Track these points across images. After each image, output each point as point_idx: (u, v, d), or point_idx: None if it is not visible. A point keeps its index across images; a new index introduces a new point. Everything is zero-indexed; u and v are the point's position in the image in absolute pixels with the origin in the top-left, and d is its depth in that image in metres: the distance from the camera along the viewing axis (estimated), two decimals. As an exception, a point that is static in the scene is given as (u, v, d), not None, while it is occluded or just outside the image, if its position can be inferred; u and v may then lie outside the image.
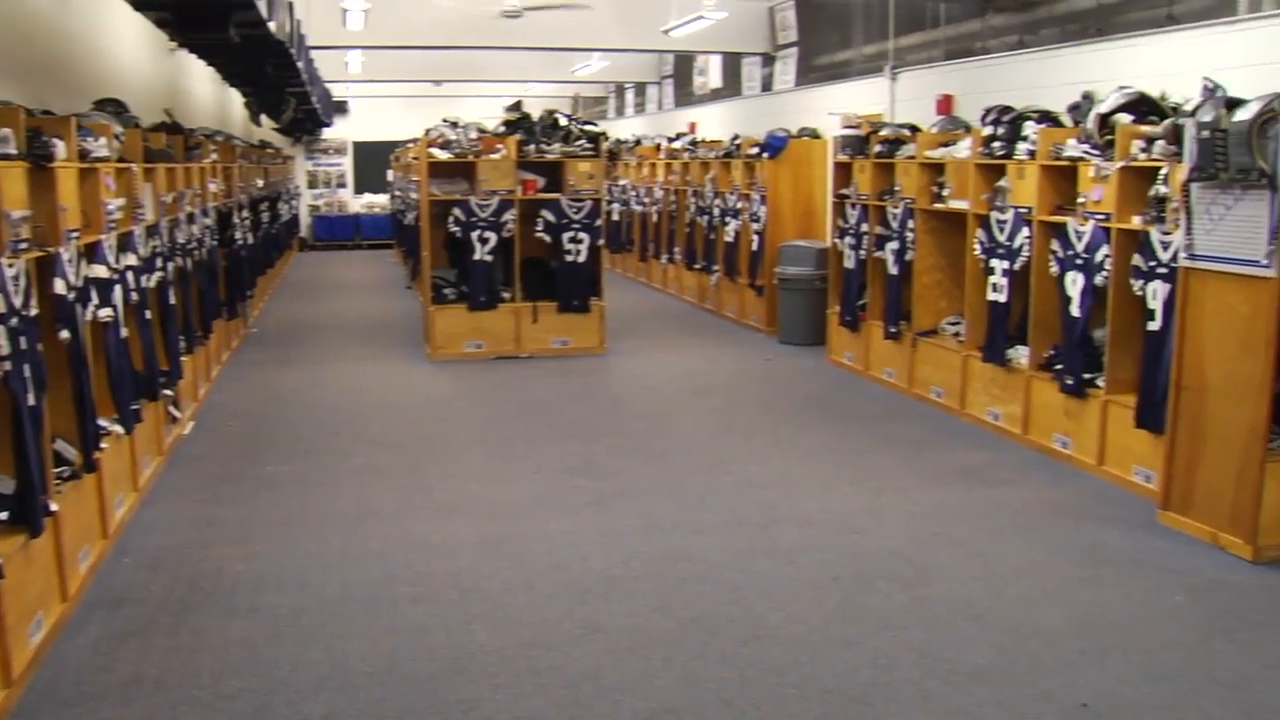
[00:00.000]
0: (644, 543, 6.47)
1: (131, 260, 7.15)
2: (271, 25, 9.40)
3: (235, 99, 19.77)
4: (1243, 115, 6.00)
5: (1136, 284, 7.27)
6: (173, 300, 8.59)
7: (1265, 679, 4.84)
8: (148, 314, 7.57)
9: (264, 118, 20.73)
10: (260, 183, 17.80)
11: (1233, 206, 6.15)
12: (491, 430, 9.28)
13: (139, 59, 12.12)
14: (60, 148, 5.68)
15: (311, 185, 30.16)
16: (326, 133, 29.47)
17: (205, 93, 17.01)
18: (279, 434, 9.10)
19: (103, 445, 6.26)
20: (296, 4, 11.52)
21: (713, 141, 16.72)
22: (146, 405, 7.48)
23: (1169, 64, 8.79)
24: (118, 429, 6.69)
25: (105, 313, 6.29)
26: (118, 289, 6.63)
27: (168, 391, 8.21)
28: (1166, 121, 7.08)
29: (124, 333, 6.76)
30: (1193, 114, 6.47)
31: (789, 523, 6.85)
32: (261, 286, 16.82)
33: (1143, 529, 6.72)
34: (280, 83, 15.55)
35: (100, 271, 6.31)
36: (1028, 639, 5.19)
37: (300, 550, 6.37)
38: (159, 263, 8.10)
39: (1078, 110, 8.36)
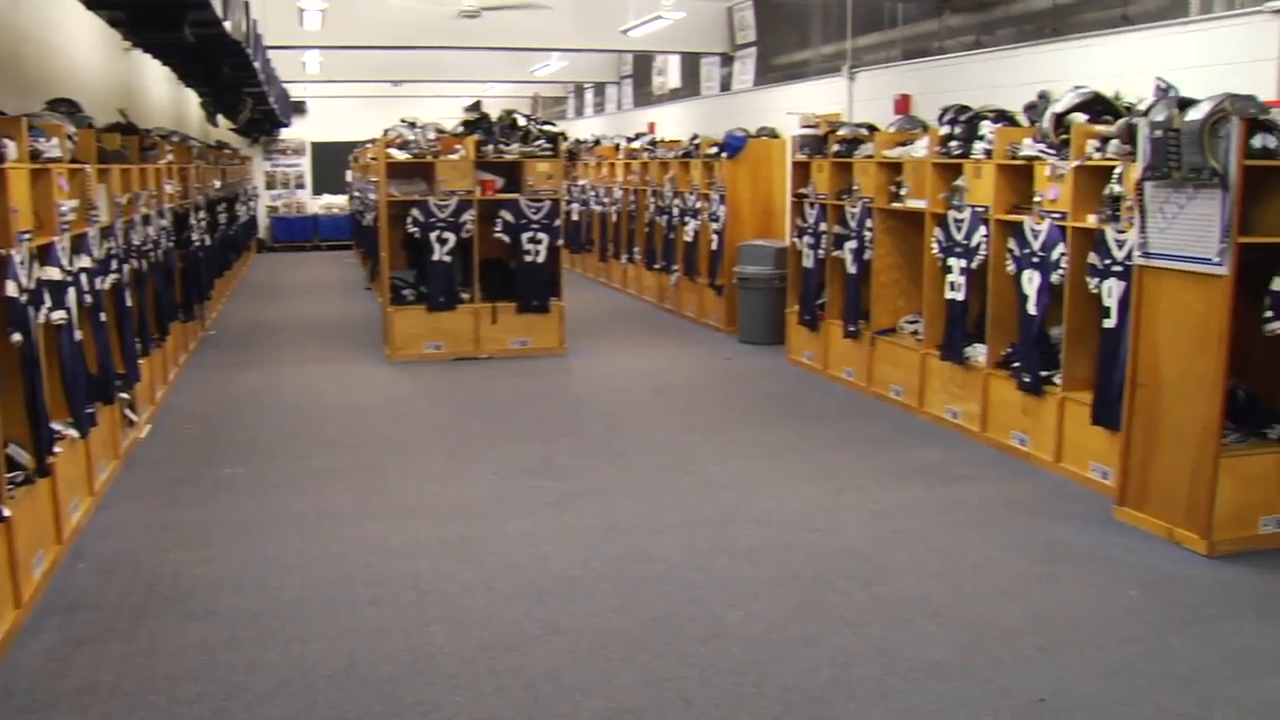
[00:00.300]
0: (604, 543, 6.47)
1: (85, 262, 7.07)
2: (227, 25, 9.30)
3: (191, 99, 19.60)
4: (1194, 115, 6.06)
5: (1092, 282, 7.34)
6: (128, 302, 8.51)
7: (1219, 672, 4.89)
8: (102, 316, 7.49)
9: (221, 118, 20.57)
10: (217, 184, 17.66)
11: (1186, 205, 6.22)
12: (450, 431, 9.26)
13: (93, 59, 12.00)
14: (11, 148, 5.61)
15: (269, 186, 29.96)
16: (284, 133, 29.27)
17: (161, 93, 16.86)
18: (237, 436, 9.03)
19: (56, 449, 6.17)
20: (253, 3, 11.43)
21: (672, 141, 16.75)
22: (102, 408, 7.40)
23: (1123, 64, 8.87)
24: (72, 433, 6.62)
25: (58, 315, 6.22)
26: (71, 291, 6.55)
27: (124, 394, 8.12)
28: (1121, 121, 7.14)
29: (78, 335, 6.68)
30: (1146, 114, 6.54)
31: (749, 522, 6.86)
32: (219, 288, 16.69)
33: (1099, 525, 6.78)
34: (237, 83, 15.42)
35: (53, 273, 6.23)
36: (985, 635, 5.22)
37: (258, 553, 6.33)
38: (114, 264, 8.01)
39: (1034, 110, 8.41)
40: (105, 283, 7.67)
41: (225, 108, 18.86)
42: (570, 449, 8.57)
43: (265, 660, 4.98)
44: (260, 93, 17.37)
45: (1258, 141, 5.96)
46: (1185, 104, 6.28)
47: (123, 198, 8.67)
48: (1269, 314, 6.12)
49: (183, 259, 12.20)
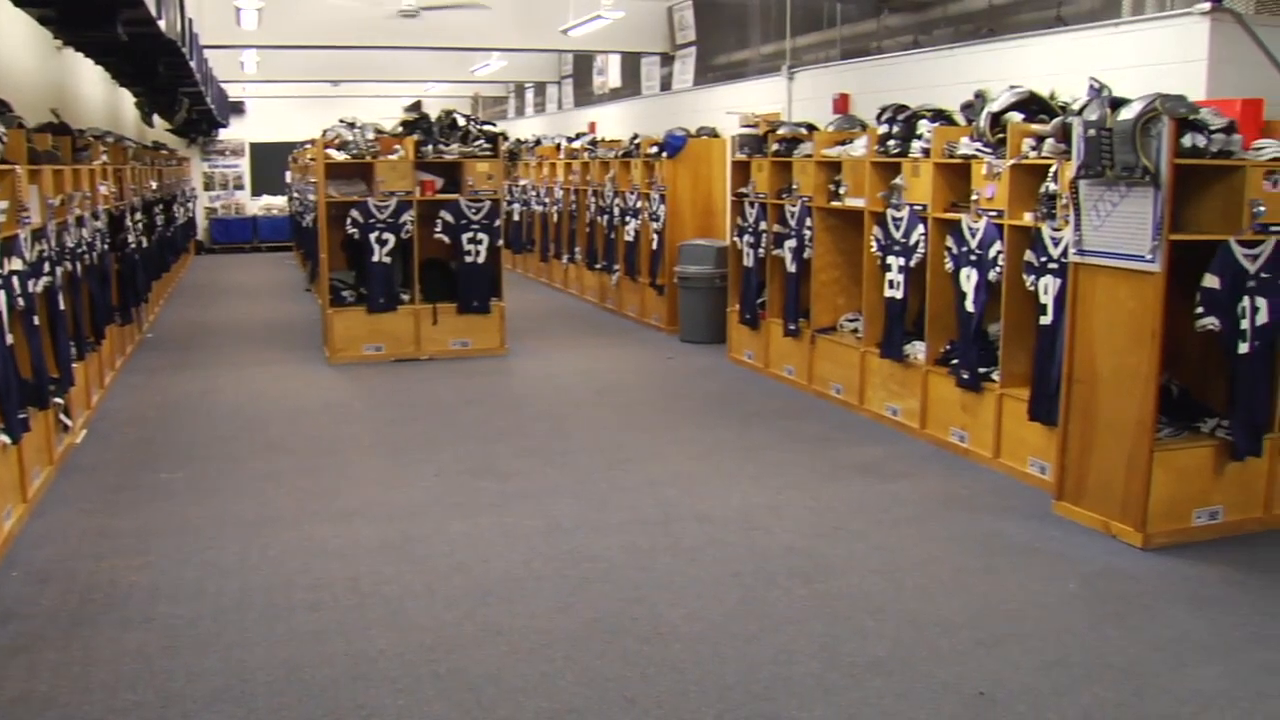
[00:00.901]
0: (545, 543, 6.46)
1: (16, 265, 6.94)
2: (161, 23, 9.18)
3: (127, 99, 19.34)
4: (1127, 114, 6.15)
5: (1029, 279, 7.42)
6: (62, 305, 8.37)
7: (1154, 661, 4.96)
8: (35, 320, 7.37)
9: (157, 119, 20.32)
10: (154, 185, 17.43)
11: (1119, 203, 6.30)
12: (391, 433, 9.20)
13: (23, 58, 11.80)
14: (-62, 149, 5.51)
15: (208, 187, 29.66)
16: (223, 134, 28.99)
17: (95, 93, 16.61)
18: (175, 441, 8.92)
19: (-12, 455, 6.09)
20: (188, 2, 11.29)
21: (612, 141, 16.75)
22: (35, 413, 7.28)
23: (1058, 64, 8.97)
24: (4, 439, 6.51)
25: (-11, 319, 6.12)
26: (1, 295, 6.45)
27: (58, 399, 8.00)
28: (1056, 120, 7.23)
29: (9, 339, 6.58)
30: (1080, 113, 6.62)
31: (690, 520, 6.87)
32: (157, 291, 16.48)
33: (1038, 519, 6.85)
34: (173, 83, 15.22)
35: (-17, 277, 6.14)
36: (926, 630, 5.27)
37: (196, 558, 6.25)
38: (46, 267, 7.88)
39: (971, 109, 8.48)
40: (37, 286, 7.54)
41: (161, 108, 18.63)
42: (512, 449, 8.54)
43: (204, 667, 4.92)
44: (197, 93, 17.18)
45: (1188, 140, 6.06)
46: (1118, 103, 6.36)
47: (55, 199, 8.52)
48: (1200, 310, 6.22)
49: (119, 261, 12.04)
